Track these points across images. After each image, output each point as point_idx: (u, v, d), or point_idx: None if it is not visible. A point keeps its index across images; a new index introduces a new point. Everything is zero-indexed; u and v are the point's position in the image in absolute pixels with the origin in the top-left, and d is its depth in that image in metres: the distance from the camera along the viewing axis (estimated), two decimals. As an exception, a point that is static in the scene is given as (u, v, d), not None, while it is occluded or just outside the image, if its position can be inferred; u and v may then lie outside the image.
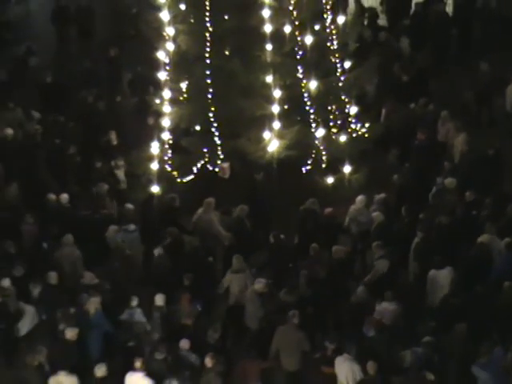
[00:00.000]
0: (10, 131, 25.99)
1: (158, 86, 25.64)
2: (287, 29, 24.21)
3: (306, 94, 24.58)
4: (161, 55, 24.86)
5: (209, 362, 19.25)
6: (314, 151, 24.86)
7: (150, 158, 24.85)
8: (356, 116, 25.95)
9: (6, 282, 21.08)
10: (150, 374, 19.28)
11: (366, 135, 25.96)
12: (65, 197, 24.53)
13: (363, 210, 23.92)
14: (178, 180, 25.18)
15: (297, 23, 24.29)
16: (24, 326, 20.91)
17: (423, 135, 26.00)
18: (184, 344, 19.66)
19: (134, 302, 20.90)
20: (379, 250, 21.88)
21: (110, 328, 20.65)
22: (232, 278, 21.93)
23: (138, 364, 19.25)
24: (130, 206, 23.96)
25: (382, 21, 32.54)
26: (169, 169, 25.12)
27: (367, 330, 19.97)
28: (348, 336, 19.90)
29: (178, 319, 21.06)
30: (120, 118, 27.84)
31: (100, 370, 19.15)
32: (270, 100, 24.15)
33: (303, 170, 24.99)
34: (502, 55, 29.58)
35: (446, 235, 22.41)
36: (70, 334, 20.03)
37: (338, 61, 25.55)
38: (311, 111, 24.73)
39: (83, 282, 22.34)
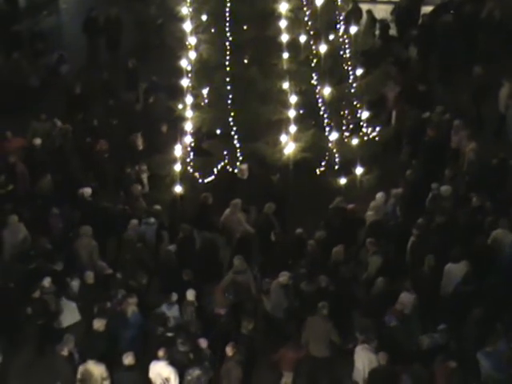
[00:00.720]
0: (38, 141, 26.29)
1: (179, 93, 25.57)
2: (302, 38, 24.40)
3: (320, 100, 24.78)
4: (183, 63, 24.95)
5: (229, 351, 19.45)
6: (327, 153, 25.02)
7: (174, 160, 24.86)
8: (367, 120, 26.10)
9: (47, 281, 21.26)
10: (172, 363, 19.49)
11: (377, 138, 26.07)
12: (87, 191, 24.81)
13: (383, 206, 24.23)
14: (200, 181, 25.29)
15: (312, 33, 24.49)
16: (65, 321, 21.16)
17: (433, 132, 26.32)
18: (202, 342, 19.84)
19: (174, 297, 21.13)
20: (372, 247, 22.18)
21: (146, 327, 20.82)
22: (234, 278, 21.91)
23: (161, 353, 19.43)
24: (157, 206, 24.21)
25: (392, 31, 32.64)
26: (191, 170, 25.27)
27: (389, 319, 20.31)
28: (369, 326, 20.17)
29: (211, 310, 21.42)
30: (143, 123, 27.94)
31: (127, 359, 19.31)
32: (286, 105, 24.35)
33: (317, 171, 25.14)
34: (505, 64, 29.96)
35: (440, 236, 22.55)
36: (98, 324, 20.31)
37: (350, 68, 25.72)
38: (325, 116, 24.93)
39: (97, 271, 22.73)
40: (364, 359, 19.39)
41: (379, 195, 24.30)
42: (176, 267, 22.53)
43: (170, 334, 20.44)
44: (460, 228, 22.99)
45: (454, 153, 26.39)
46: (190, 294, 21.08)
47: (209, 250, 23.19)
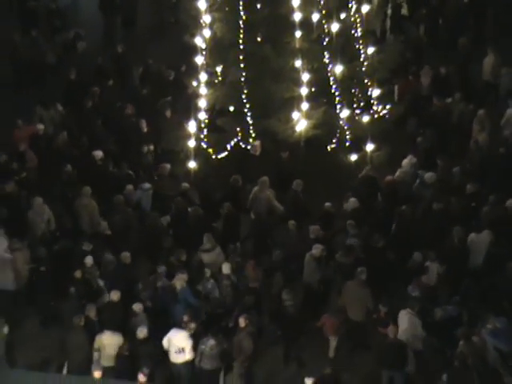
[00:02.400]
0: (41, 127, 26.18)
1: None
2: (315, 17, 24.29)
3: (331, 78, 24.71)
4: (198, 41, 24.93)
5: (242, 322, 19.66)
6: (338, 131, 24.99)
7: (188, 136, 24.85)
8: (378, 98, 25.96)
9: (89, 260, 21.45)
10: (192, 335, 19.70)
11: (387, 116, 26.05)
12: (98, 153, 25.06)
13: (410, 171, 24.57)
14: (213, 156, 25.24)
15: (324, 12, 24.38)
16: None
17: (438, 101, 26.61)
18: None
19: (208, 273, 21.39)
20: (352, 229, 22.25)
21: (193, 301, 20.78)
22: (203, 256, 22.07)
23: (192, 324, 19.78)
24: (185, 184, 24.24)
25: (404, 10, 32.43)
26: (205, 146, 25.21)
27: (412, 290, 20.55)
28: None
29: (246, 284, 21.59)
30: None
31: (141, 332, 19.56)
32: (298, 83, 24.30)
33: (328, 148, 25.10)
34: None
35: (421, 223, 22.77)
36: (115, 296, 20.49)
37: (361, 47, 25.57)
38: (336, 93, 24.83)
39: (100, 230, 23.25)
40: (407, 322, 19.69)
41: (406, 161, 24.66)
42: (161, 233, 22.91)
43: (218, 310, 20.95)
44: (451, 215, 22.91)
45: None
46: (226, 268, 21.28)
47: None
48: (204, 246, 22.09)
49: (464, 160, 24.87)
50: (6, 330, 20.16)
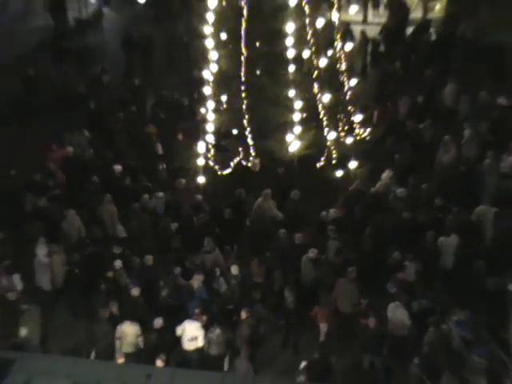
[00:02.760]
0: (70, 149, 26.12)
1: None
2: (306, 53, 24.30)
3: (320, 105, 24.64)
4: (206, 74, 24.88)
5: (243, 315, 19.81)
6: (326, 150, 24.96)
7: (197, 155, 24.88)
8: (360, 122, 25.99)
9: (118, 262, 21.50)
10: (204, 326, 19.84)
11: (368, 138, 26.03)
12: (118, 167, 25.12)
13: (388, 183, 24.46)
14: (219, 172, 25.18)
15: (313, 49, 24.32)
16: None
17: (413, 126, 26.62)
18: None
19: (218, 272, 21.43)
20: (333, 234, 22.20)
21: (207, 297, 20.89)
22: (204, 257, 22.13)
23: (204, 317, 19.89)
24: (199, 196, 24.31)
25: (381, 48, 32.35)
26: (212, 164, 25.21)
27: (390, 287, 20.56)
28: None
29: (251, 279, 21.66)
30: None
31: (158, 323, 19.72)
32: (291, 109, 24.30)
33: (318, 165, 25.01)
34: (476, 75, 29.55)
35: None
36: (135, 292, 20.58)
37: (345, 79, 25.63)
38: (324, 119, 24.79)
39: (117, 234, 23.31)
40: (396, 313, 19.80)
41: (385, 175, 24.56)
42: (171, 236, 23.07)
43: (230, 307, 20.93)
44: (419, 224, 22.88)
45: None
46: (234, 269, 21.31)
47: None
48: (205, 248, 22.20)
49: (431, 177, 24.74)
50: (24, 331, 20.08)
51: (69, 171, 25.44)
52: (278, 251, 22.14)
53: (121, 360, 19.31)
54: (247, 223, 23.96)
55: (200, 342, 19.72)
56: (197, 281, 20.94)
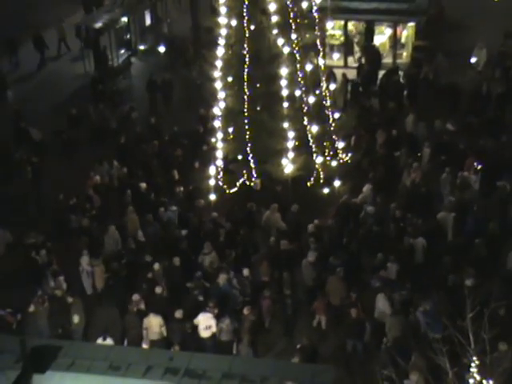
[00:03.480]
0: (98, 178, 25.91)
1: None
2: (297, 93, 24.28)
3: (309, 135, 24.60)
4: (216, 110, 24.98)
5: (246, 311, 19.68)
6: (315, 172, 24.91)
7: (209, 177, 24.97)
8: (342, 149, 25.92)
9: (157, 266, 21.35)
10: (215, 316, 19.65)
11: (349, 161, 26.01)
12: (143, 185, 25.23)
13: (368, 194, 24.37)
14: (227, 191, 25.13)
15: (303, 89, 24.29)
16: None
17: (382, 149, 26.52)
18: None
19: (231, 274, 21.08)
20: (312, 244, 21.94)
21: (231, 292, 20.59)
22: (204, 258, 21.96)
23: (216, 310, 19.75)
24: (215, 214, 23.91)
25: (360, 88, 32.16)
26: (221, 184, 25.18)
27: (374, 282, 20.46)
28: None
29: (259, 278, 21.43)
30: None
31: (178, 313, 19.55)
32: (286, 139, 24.21)
33: (308, 184, 24.97)
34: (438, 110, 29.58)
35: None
36: (158, 290, 20.46)
37: (330, 113, 25.62)
38: (313, 146, 24.73)
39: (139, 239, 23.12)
40: (381, 302, 19.77)
41: (366, 187, 24.38)
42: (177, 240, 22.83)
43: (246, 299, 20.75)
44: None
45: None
46: (246, 271, 21.10)
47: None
48: (204, 250, 22.02)
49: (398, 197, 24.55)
50: (76, 319, 20.19)
51: (101, 195, 25.35)
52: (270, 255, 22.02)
53: (147, 346, 19.22)
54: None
55: (213, 329, 19.55)
56: (222, 279, 20.67)
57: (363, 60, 33.67)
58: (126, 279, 21.42)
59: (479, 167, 25.12)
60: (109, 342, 19.07)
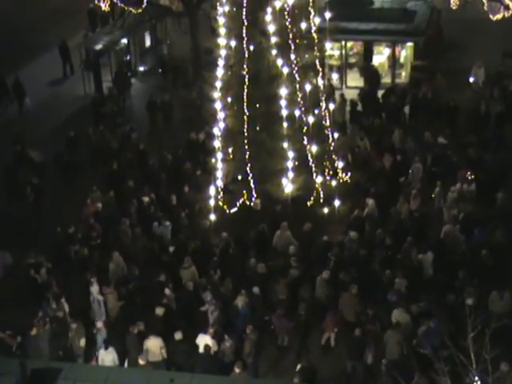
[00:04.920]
0: (100, 206, 25.65)
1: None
2: (297, 112, 24.29)
3: (309, 155, 24.61)
4: (215, 130, 25.01)
5: (248, 330, 19.62)
6: (315, 191, 24.89)
7: (209, 198, 24.92)
8: (342, 169, 25.90)
9: (168, 290, 21.30)
10: (213, 337, 19.68)
11: (349, 181, 25.95)
12: (145, 199, 25.46)
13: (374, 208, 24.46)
14: (227, 211, 25.09)
15: (303, 109, 24.34)
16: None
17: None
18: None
19: (243, 292, 20.93)
20: (294, 263, 21.97)
21: (250, 314, 20.51)
22: (183, 272, 22.08)
23: (211, 330, 19.74)
24: (224, 234, 23.72)
25: (359, 107, 32.30)
26: (221, 204, 25.14)
27: (391, 296, 20.58)
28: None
29: (276, 296, 21.31)
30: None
31: (178, 335, 19.52)
32: (286, 158, 24.27)
33: (308, 203, 24.95)
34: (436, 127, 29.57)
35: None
36: (159, 311, 20.40)
37: (329, 133, 25.60)
38: (313, 166, 24.75)
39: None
40: (400, 317, 19.81)
41: (371, 202, 24.44)
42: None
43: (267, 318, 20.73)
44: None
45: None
46: (256, 290, 20.96)
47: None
48: (184, 264, 22.11)
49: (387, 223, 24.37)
50: (83, 342, 20.19)
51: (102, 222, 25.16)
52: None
53: (148, 367, 18.99)
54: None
55: (213, 350, 19.46)
56: (241, 301, 20.62)
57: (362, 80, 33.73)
58: (140, 305, 21.28)
59: (472, 177, 25.46)
60: (110, 350, 19.22)
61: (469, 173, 25.60)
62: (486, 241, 22.54)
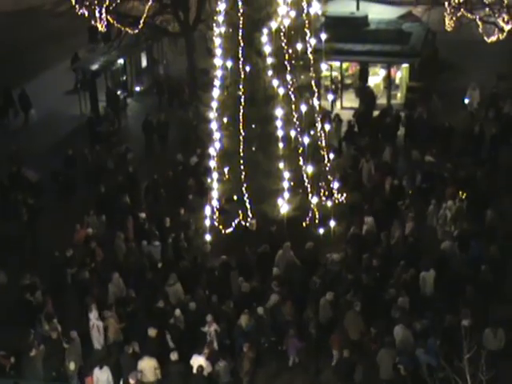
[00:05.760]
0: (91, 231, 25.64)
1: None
2: (293, 133, 24.19)
3: (305, 175, 24.52)
4: (211, 150, 24.94)
5: (245, 348, 19.60)
6: (310, 212, 24.78)
7: (205, 218, 24.85)
8: (337, 189, 25.82)
9: (178, 312, 21.16)
10: (207, 358, 19.59)
11: (344, 202, 25.92)
12: (142, 215, 25.87)
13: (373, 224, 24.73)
14: (223, 231, 24.97)
15: (299, 129, 24.27)
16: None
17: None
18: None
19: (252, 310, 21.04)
20: (275, 287, 21.83)
21: (253, 333, 20.37)
22: (168, 289, 22.15)
23: (206, 350, 19.68)
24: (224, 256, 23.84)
25: (355, 128, 32.23)
26: (216, 224, 25.03)
27: (394, 313, 20.56)
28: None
29: (283, 317, 21.17)
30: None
31: (173, 356, 19.42)
32: (282, 179, 24.19)
33: (303, 224, 24.85)
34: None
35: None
36: (152, 332, 20.27)
37: (325, 153, 25.50)
38: (308, 186, 24.66)
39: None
40: (401, 334, 19.87)
41: (370, 219, 24.60)
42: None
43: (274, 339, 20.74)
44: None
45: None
46: (260, 310, 20.91)
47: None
48: (169, 281, 22.21)
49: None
50: (72, 365, 20.03)
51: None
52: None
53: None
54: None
55: (206, 372, 19.36)
56: (244, 320, 20.55)
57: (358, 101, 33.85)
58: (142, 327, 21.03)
59: (464, 196, 25.57)
60: (105, 370, 19.25)
61: (459, 191, 25.77)
62: (482, 255, 22.68)
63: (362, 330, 20.51)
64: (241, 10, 23.46)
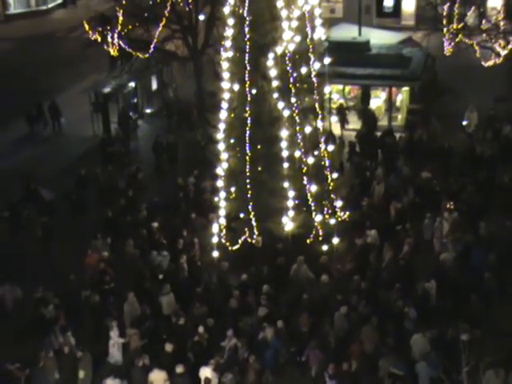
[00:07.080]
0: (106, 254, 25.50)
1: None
2: (297, 154, 24.20)
3: (308, 194, 24.50)
4: (219, 170, 25.02)
5: (251, 359, 19.60)
6: (314, 229, 24.80)
7: (213, 235, 24.86)
8: (340, 208, 25.71)
9: (201, 329, 21.11)
10: (215, 369, 19.58)
11: (347, 219, 25.91)
12: (155, 224, 26.21)
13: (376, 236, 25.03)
14: (230, 248, 24.99)
15: (303, 150, 24.21)
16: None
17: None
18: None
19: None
20: (264, 301, 22.16)
21: (278, 345, 20.48)
22: (162, 299, 22.43)
23: (213, 361, 19.64)
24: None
25: (357, 149, 32.38)
26: (224, 241, 25.06)
27: (408, 324, 20.64)
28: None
29: (299, 328, 21.34)
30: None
31: (179, 368, 19.38)
32: (286, 198, 24.15)
33: (308, 241, 24.86)
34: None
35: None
36: (169, 347, 20.33)
37: (328, 173, 25.38)
38: (312, 204, 24.61)
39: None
40: (420, 342, 20.03)
41: (373, 232, 25.03)
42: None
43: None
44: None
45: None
46: (280, 323, 20.91)
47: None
48: (163, 291, 22.44)
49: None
50: (82, 374, 20.01)
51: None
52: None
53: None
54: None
55: (214, 382, 19.40)
56: (270, 333, 20.53)
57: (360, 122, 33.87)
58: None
59: (453, 207, 25.79)
60: (117, 382, 19.30)
61: (451, 203, 25.94)
62: (484, 263, 22.79)
63: (376, 343, 20.52)
64: (247, 36, 23.56)
